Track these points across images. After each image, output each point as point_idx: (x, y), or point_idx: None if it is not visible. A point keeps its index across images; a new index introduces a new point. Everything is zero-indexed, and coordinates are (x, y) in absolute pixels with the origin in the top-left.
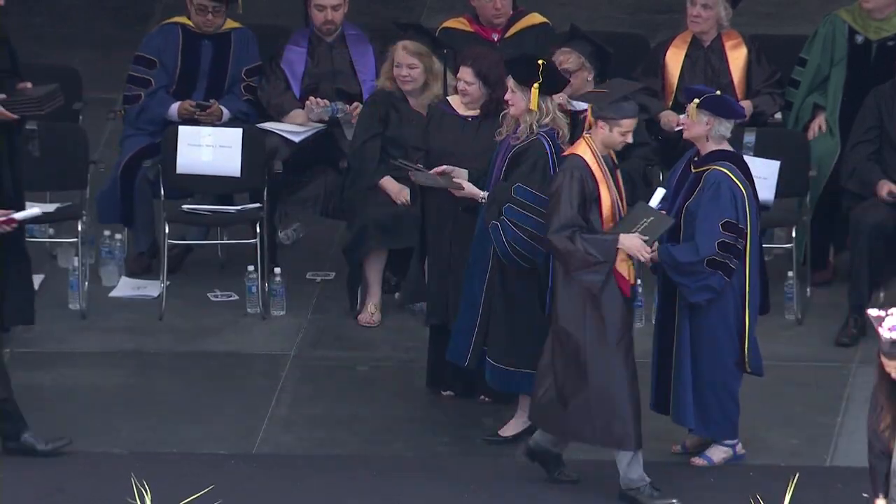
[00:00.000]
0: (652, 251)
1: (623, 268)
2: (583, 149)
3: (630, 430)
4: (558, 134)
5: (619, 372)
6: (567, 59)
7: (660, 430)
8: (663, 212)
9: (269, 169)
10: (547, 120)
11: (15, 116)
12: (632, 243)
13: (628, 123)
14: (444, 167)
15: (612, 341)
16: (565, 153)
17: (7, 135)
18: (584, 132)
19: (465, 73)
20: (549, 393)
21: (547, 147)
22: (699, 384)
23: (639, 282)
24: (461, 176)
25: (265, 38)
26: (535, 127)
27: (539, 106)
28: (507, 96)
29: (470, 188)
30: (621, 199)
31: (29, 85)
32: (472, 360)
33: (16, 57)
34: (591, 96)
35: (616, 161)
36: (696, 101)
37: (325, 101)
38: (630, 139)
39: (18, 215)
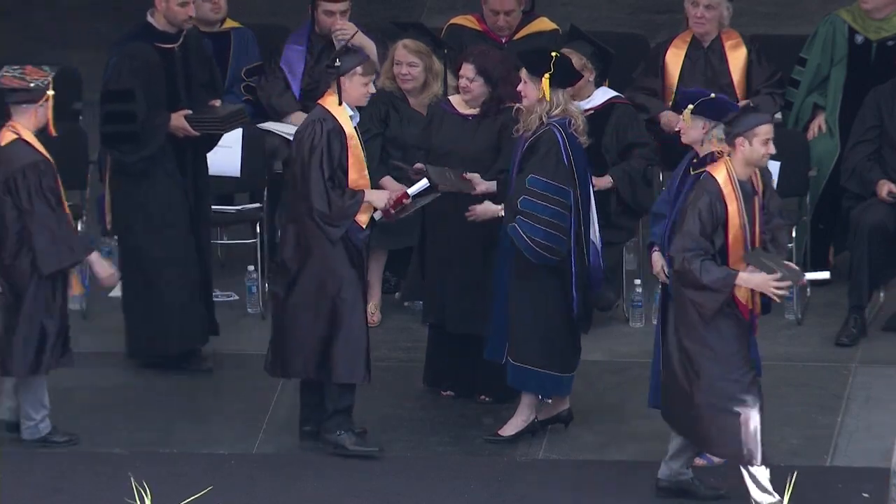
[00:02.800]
0: (782, 286)
1: (741, 293)
2: (719, 170)
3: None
4: (570, 122)
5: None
6: None
7: (660, 430)
8: (793, 265)
9: (269, 169)
10: (557, 111)
11: (197, 133)
12: (757, 279)
13: (765, 129)
14: (472, 175)
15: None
16: (702, 170)
17: (192, 147)
18: (725, 154)
19: (468, 69)
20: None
21: (559, 136)
22: None
23: (637, 282)
24: (489, 188)
25: (265, 37)
26: (544, 118)
27: (550, 98)
28: (520, 87)
29: (484, 185)
30: (754, 226)
31: (218, 103)
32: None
33: (215, 73)
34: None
35: (756, 188)
36: (691, 106)
37: None
38: (772, 148)
39: (411, 190)
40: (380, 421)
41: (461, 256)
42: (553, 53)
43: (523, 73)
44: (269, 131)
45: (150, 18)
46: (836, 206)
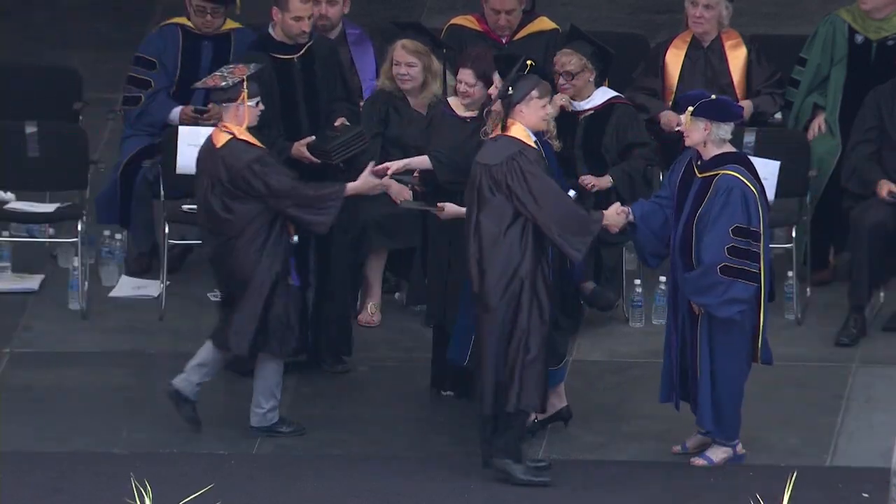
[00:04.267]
0: None
1: None
2: None
3: None
4: (545, 131)
5: None
6: (569, 60)
7: (660, 430)
8: None
9: None
10: None
11: (316, 161)
12: None
13: None
14: (407, 161)
15: None
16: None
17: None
18: None
19: (466, 74)
20: None
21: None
22: (715, 385)
23: (637, 282)
24: (423, 164)
25: None
26: None
27: None
28: (491, 90)
29: (452, 209)
30: None
31: (340, 121)
32: (471, 359)
33: (348, 85)
34: None
35: None
36: (691, 108)
37: None
38: None
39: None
40: (380, 421)
41: (463, 258)
42: (529, 62)
43: (496, 77)
44: None
45: (270, 30)
46: (836, 206)
